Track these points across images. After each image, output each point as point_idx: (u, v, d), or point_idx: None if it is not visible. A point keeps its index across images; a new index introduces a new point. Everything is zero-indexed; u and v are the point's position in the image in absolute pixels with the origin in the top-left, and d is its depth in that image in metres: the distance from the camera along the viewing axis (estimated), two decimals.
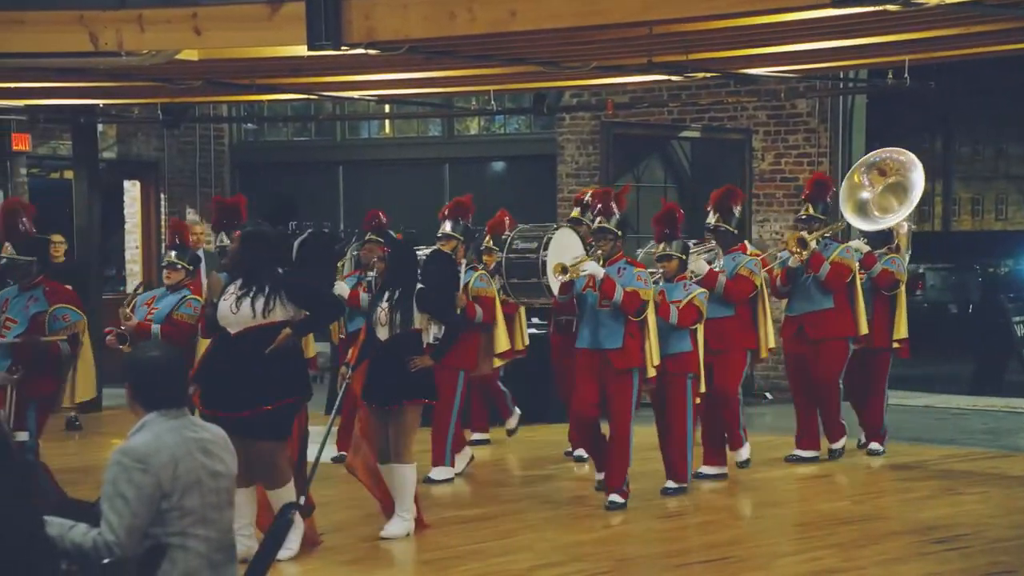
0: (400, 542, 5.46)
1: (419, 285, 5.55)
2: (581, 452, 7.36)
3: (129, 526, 2.99)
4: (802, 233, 7.10)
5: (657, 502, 6.27)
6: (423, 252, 6.32)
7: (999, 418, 9.23)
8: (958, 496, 6.43)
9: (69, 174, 10.62)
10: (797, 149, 10.00)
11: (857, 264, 7.18)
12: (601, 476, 6.23)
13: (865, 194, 7.52)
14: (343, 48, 5.87)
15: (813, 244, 7.03)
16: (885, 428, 7.51)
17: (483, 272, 6.87)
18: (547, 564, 5.13)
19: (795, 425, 7.30)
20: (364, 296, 6.82)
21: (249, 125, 11.50)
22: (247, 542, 4.69)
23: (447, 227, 6.74)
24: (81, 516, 3.04)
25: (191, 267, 6.25)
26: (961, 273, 15.91)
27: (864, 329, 7.16)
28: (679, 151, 10.15)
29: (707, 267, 6.64)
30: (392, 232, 6.98)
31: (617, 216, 6.12)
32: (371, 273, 6.74)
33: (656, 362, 6.01)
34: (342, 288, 7.03)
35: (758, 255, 7.07)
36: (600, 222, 6.10)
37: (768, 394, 9.84)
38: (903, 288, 7.43)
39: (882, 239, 7.51)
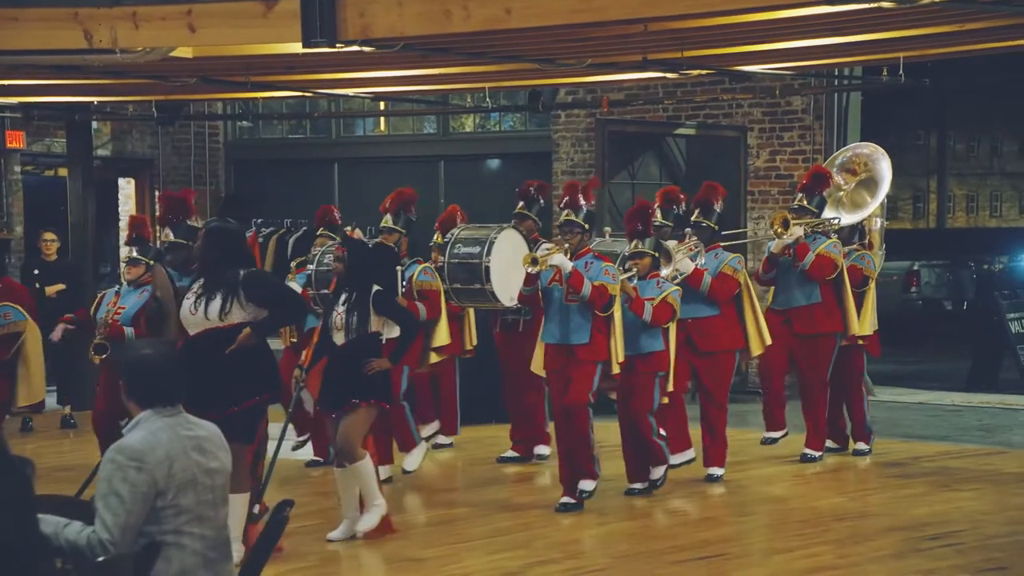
0: (389, 542, 5.45)
1: (376, 287, 5.39)
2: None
3: (123, 524, 2.98)
4: (788, 214, 7.00)
5: (653, 499, 6.27)
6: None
7: (993, 415, 9.25)
8: (953, 493, 6.44)
9: (64, 171, 10.60)
10: (792, 146, 10.01)
11: (843, 261, 7.07)
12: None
13: (841, 194, 7.49)
14: (338, 45, 5.85)
15: (799, 230, 6.91)
16: (870, 427, 7.45)
17: (427, 265, 6.70)
18: (542, 561, 5.13)
19: (766, 419, 7.21)
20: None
21: (244, 122, 11.48)
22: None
23: (389, 220, 6.57)
24: (75, 514, 3.03)
25: (152, 262, 6.16)
26: (956, 270, 15.95)
27: (855, 328, 7.07)
28: (674, 148, 10.15)
29: (692, 265, 6.54)
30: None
31: (584, 209, 6.00)
32: (310, 266, 6.57)
33: (621, 359, 5.89)
34: (294, 287, 6.79)
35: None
36: (567, 215, 6.00)
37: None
38: (872, 285, 7.35)
39: (853, 235, 7.42)
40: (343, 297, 5.40)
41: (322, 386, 5.43)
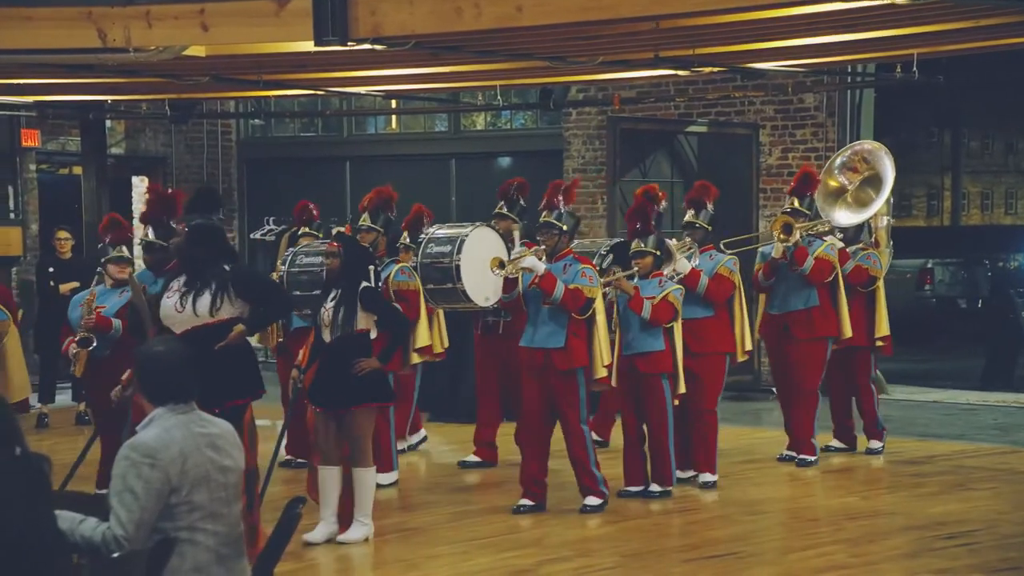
0: (399, 540, 5.45)
1: (364, 283, 5.31)
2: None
3: (138, 520, 3.00)
4: (790, 218, 6.91)
5: (663, 498, 6.25)
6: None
7: (1009, 413, 9.20)
8: (968, 492, 6.40)
9: (78, 170, 10.66)
10: (805, 144, 9.97)
11: (838, 263, 6.99)
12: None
13: (846, 193, 7.41)
14: (349, 44, 5.86)
15: (798, 235, 6.85)
16: (882, 425, 7.40)
17: (404, 264, 6.56)
18: (554, 559, 5.12)
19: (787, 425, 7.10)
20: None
21: (256, 121, 11.52)
22: None
23: (367, 219, 6.46)
24: (91, 510, 3.05)
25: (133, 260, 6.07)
26: (970, 268, 15.86)
27: (848, 332, 6.98)
28: (686, 146, 10.13)
29: (689, 265, 6.37)
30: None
31: (562, 210, 5.88)
32: (282, 267, 6.38)
33: (607, 361, 5.77)
34: None
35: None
36: (544, 216, 5.88)
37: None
38: (881, 284, 7.27)
39: (858, 235, 7.34)
40: (332, 294, 5.33)
41: (313, 382, 5.33)
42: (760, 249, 7.14)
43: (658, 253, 6.12)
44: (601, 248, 6.75)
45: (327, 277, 5.50)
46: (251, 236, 9.76)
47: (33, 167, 10.67)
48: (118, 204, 11.03)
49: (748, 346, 6.63)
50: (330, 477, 5.29)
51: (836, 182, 7.42)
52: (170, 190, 6.81)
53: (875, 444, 7.36)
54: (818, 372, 6.99)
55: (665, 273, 6.16)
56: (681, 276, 6.33)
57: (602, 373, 5.82)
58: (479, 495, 6.52)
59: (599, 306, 5.81)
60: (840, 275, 7.00)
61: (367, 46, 5.94)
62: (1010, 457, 7.42)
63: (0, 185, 10.60)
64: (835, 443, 7.39)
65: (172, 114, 9.30)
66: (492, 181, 11.17)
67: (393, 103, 10.51)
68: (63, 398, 9.15)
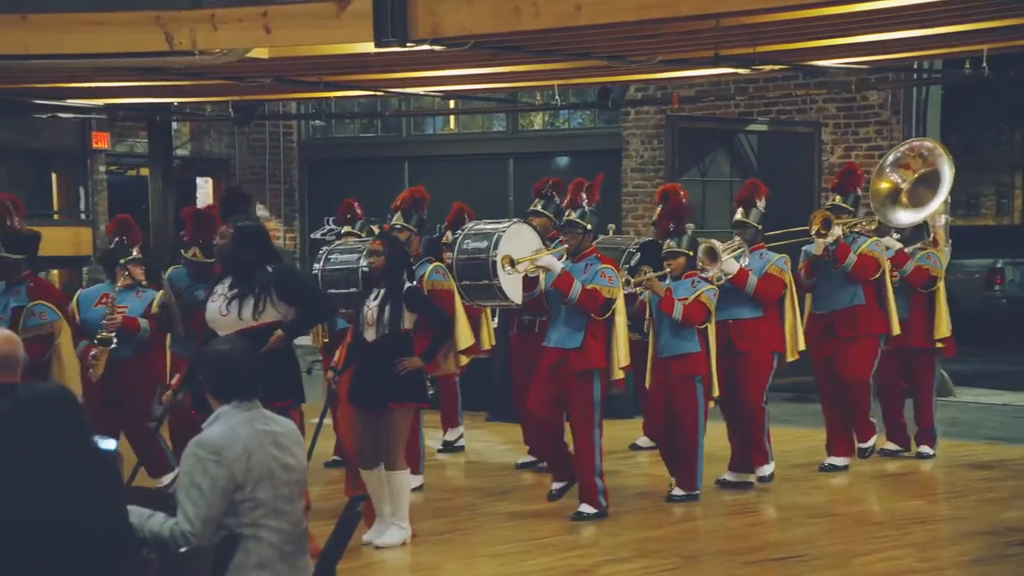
0: (460, 539, 5.47)
1: (408, 284, 5.25)
2: (642, 441, 7.19)
3: (204, 516, 3.05)
4: (830, 214, 6.74)
5: (728, 498, 6.21)
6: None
7: None
8: None
9: (145, 171, 10.89)
10: (868, 142, 9.81)
11: (887, 260, 6.82)
12: (558, 485, 5.85)
13: (900, 193, 7.24)
14: (409, 44, 5.91)
15: (837, 230, 6.66)
16: (935, 431, 7.22)
17: (439, 264, 6.49)
18: (614, 560, 5.11)
19: (826, 431, 6.94)
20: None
21: (317, 122, 11.67)
22: None
23: (400, 218, 6.38)
24: (158, 506, 3.11)
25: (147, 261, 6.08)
26: None
27: (896, 329, 6.79)
28: (746, 145, 10.03)
29: (737, 265, 6.23)
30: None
31: (585, 208, 5.79)
32: (316, 265, 6.28)
33: (624, 363, 5.66)
34: None
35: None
36: (568, 215, 5.80)
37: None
38: (942, 284, 7.09)
39: (917, 235, 7.17)
40: (374, 293, 5.27)
41: (352, 383, 5.27)
42: (804, 247, 6.97)
43: (691, 254, 6.01)
44: (629, 247, 6.68)
45: (371, 276, 5.43)
46: (311, 236, 9.88)
47: (103, 168, 10.92)
48: (183, 204, 11.25)
49: (801, 346, 6.49)
50: (376, 480, 5.25)
51: (888, 183, 7.23)
52: (205, 208, 6.74)
53: (926, 450, 7.17)
54: (866, 371, 6.78)
55: (709, 275, 6.05)
56: (729, 276, 6.22)
57: (619, 375, 5.72)
58: (537, 495, 6.52)
59: (619, 307, 5.70)
60: (887, 272, 6.84)
61: (426, 47, 5.98)
62: None
63: (71, 186, 10.87)
64: (889, 445, 7.23)
65: (235, 116, 9.46)
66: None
67: (452, 103, 10.57)
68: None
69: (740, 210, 6.53)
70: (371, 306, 5.23)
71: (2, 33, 6.52)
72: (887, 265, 6.83)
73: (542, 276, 5.76)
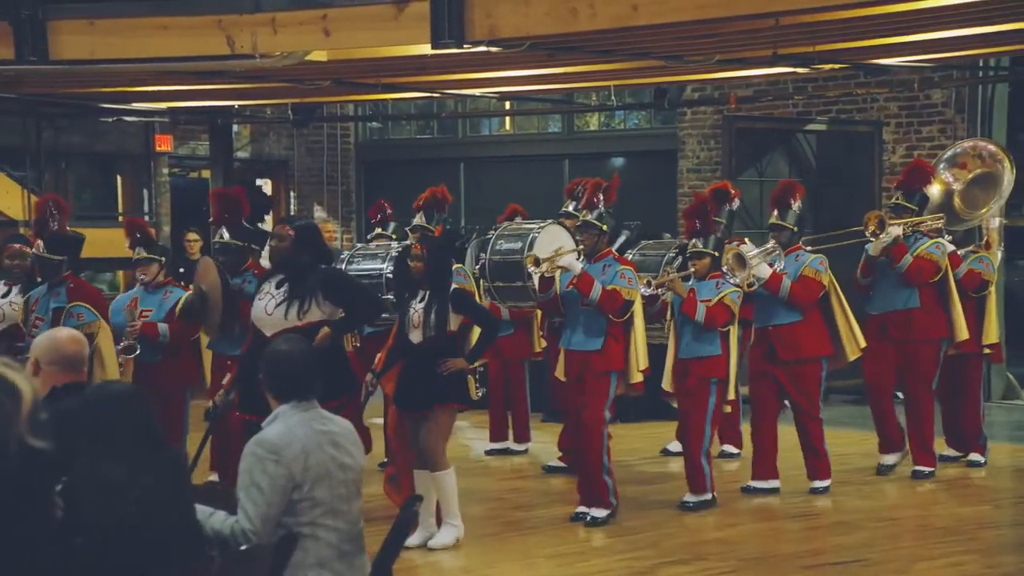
0: (517, 539, 5.48)
1: (454, 285, 5.23)
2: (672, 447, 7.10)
3: (264, 515, 3.08)
4: (884, 214, 6.57)
5: (786, 501, 6.14)
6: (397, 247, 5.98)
7: None
8: None
9: (206, 173, 11.07)
10: (931, 141, 9.61)
11: (947, 262, 6.61)
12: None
13: (953, 194, 7.05)
14: (466, 46, 5.93)
15: (897, 230, 6.45)
16: (984, 437, 7.02)
17: (460, 266, 6.40)
18: (671, 562, 5.08)
19: (879, 432, 6.77)
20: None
21: (374, 124, 11.75)
22: None
23: (421, 218, 6.32)
24: (219, 504, 3.16)
25: (163, 259, 6.06)
26: None
27: (964, 333, 6.56)
28: (805, 145, 9.91)
29: (769, 270, 6.05)
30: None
31: (602, 209, 5.70)
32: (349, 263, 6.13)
33: (643, 367, 5.60)
34: None
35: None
36: (583, 216, 5.74)
37: (899, 393, 9.52)
38: (993, 289, 6.88)
39: (969, 237, 7.00)
40: (420, 295, 5.23)
41: (398, 385, 5.24)
42: (866, 246, 6.75)
43: (716, 254, 5.89)
44: (670, 251, 6.58)
45: (415, 279, 5.31)
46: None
47: (165, 171, 11.12)
48: None
49: (862, 343, 6.28)
50: (423, 480, 5.23)
51: (941, 184, 7.06)
52: (232, 189, 6.68)
53: (976, 457, 6.96)
54: (927, 376, 6.62)
55: (740, 279, 5.90)
56: (762, 282, 6.07)
57: (637, 378, 5.65)
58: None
59: (638, 309, 5.64)
60: (950, 275, 6.64)
61: (483, 48, 6.00)
62: None
63: (136, 188, 11.09)
64: (949, 451, 7.06)
65: (294, 118, 9.57)
66: (605, 181, 11.14)
67: (507, 104, 10.59)
68: None
69: (775, 212, 6.34)
70: (416, 308, 5.21)
71: (70, 39, 6.68)
72: (948, 267, 6.64)
73: (557, 276, 5.72)
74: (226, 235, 5.95)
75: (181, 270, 9.31)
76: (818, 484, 6.27)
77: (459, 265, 6.54)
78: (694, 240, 5.93)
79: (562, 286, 5.68)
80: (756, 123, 9.85)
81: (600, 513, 5.64)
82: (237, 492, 3.12)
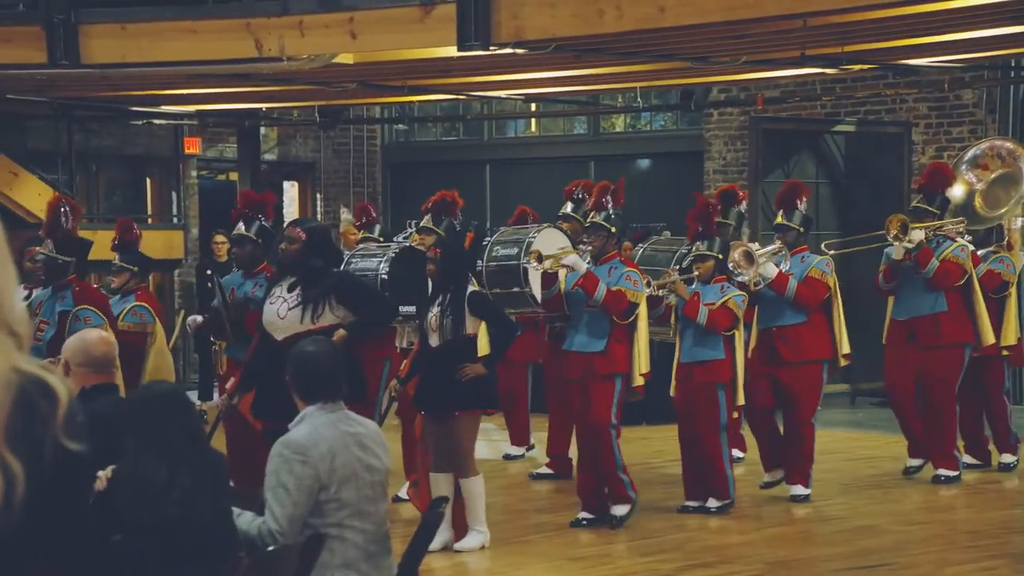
0: (542, 542, 5.47)
1: (472, 288, 5.17)
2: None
3: (291, 515, 3.10)
4: (906, 218, 6.46)
5: (810, 505, 6.10)
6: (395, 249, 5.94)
7: None
8: None
9: (234, 175, 11.14)
10: (961, 142, 9.51)
11: (971, 266, 6.52)
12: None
13: (975, 194, 6.96)
14: (492, 48, 5.94)
15: (919, 234, 6.37)
16: (1015, 436, 6.92)
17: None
18: (697, 564, 5.06)
19: (907, 438, 6.68)
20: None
21: (400, 126, 11.79)
22: None
23: (428, 220, 6.23)
24: (248, 504, 3.18)
25: (135, 268, 5.95)
26: None
27: (990, 338, 6.49)
28: (832, 146, 9.84)
29: (776, 270, 5.98)
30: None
31: (610, 211, 5.67)
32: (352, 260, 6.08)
33: (644, 370, 5.55)
34: None
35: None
36: (592, 217, 5.71)
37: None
38: (1014, 291, 6.79)
39: (989, 237, 6.90)
40: (438, 299, 5.20)
41: (418, 388, 5.22)
42: (886, 250, 6.67)
43: (720, 257, 5.82)
44: (682, 248, 6.48)
45: (431, 282, 5.28)
46: (394, 239, 10.01)
47: (194, 173, 11.21)
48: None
49: (845, 349, 6.18)
50: (442, 483, 5.22)
51: (965, 184, 6.98)
52: (262, 194, 6.63)
53: (1008, 458, 6.87)
54: (951, 382, 6.53)
55: (747, 278, 5.85)
56: (768, 282, 6.01)
57: (639, 382, 5.60)
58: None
59: (642, 312, 5.59)
60: (975, 278, 6.55)
61: (509, 50, 6.01)
62: None
63: (165, 191, 11.18)
64: (967, 458, 6.90)
65: (321, 120, 9.62)
66: (631, 183, 11.12)
67: (533, 106, 10.59)
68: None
69: (780, 212, 6.25)
70: (434, 312, 5.19)
71: (101, 42, 6.75)
72: (972, 270, 6.57)
73: (562, 276, 5.69)
74: (243, 228, 5.93)
75: (209, 272, 9.41)
76: (798, 490, 6.12)
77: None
78: (698, 243, 5.89)
79: (567, 287, 5.66)
80: (783, 124, 9.79)
81: (621, 510, 5.61)
82: (264, 493, 3.14)
